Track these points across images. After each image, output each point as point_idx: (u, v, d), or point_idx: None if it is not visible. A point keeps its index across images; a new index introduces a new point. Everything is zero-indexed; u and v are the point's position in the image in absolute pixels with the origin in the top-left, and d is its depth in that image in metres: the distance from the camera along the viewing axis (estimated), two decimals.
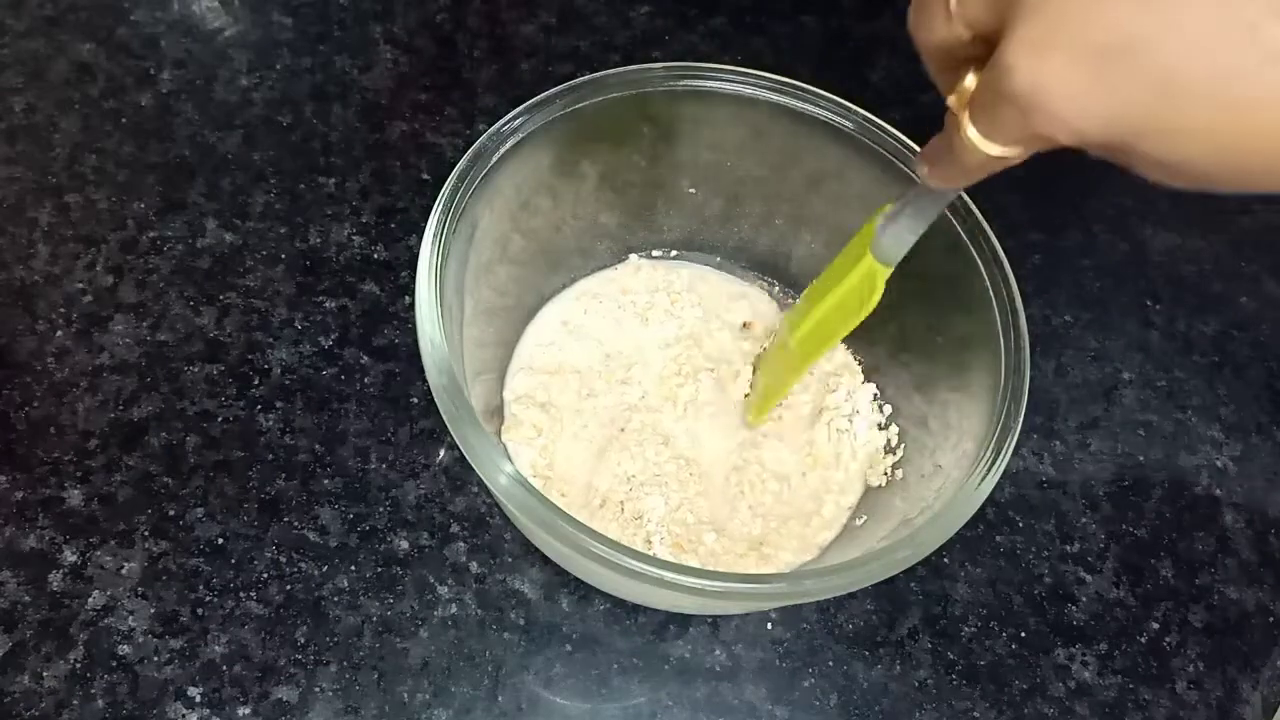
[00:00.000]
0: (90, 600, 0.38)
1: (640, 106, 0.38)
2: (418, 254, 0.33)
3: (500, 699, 0.38)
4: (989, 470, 0.31)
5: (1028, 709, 0.39)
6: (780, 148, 0.40)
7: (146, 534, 0.40)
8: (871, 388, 0.42)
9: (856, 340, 0.44)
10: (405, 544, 0.40)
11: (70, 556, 0.39)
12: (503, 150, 0.35)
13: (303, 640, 0.38)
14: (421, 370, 0.31)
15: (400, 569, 0.40)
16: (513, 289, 0.42)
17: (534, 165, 0.37)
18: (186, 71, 0.53)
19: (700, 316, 0.44)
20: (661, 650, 0.39)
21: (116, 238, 0.47)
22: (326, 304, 0.46)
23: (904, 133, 0.37)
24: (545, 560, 0.40)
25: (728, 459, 0.41)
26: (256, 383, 0.44)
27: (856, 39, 0.57)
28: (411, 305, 0.41)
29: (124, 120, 0.51)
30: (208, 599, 0.39)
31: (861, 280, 0.34)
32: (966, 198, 0.35)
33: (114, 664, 0.37)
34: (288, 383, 0.44)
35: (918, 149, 0.32)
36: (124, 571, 0.39)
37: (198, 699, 0.37)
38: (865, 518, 0.39)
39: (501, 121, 0.36)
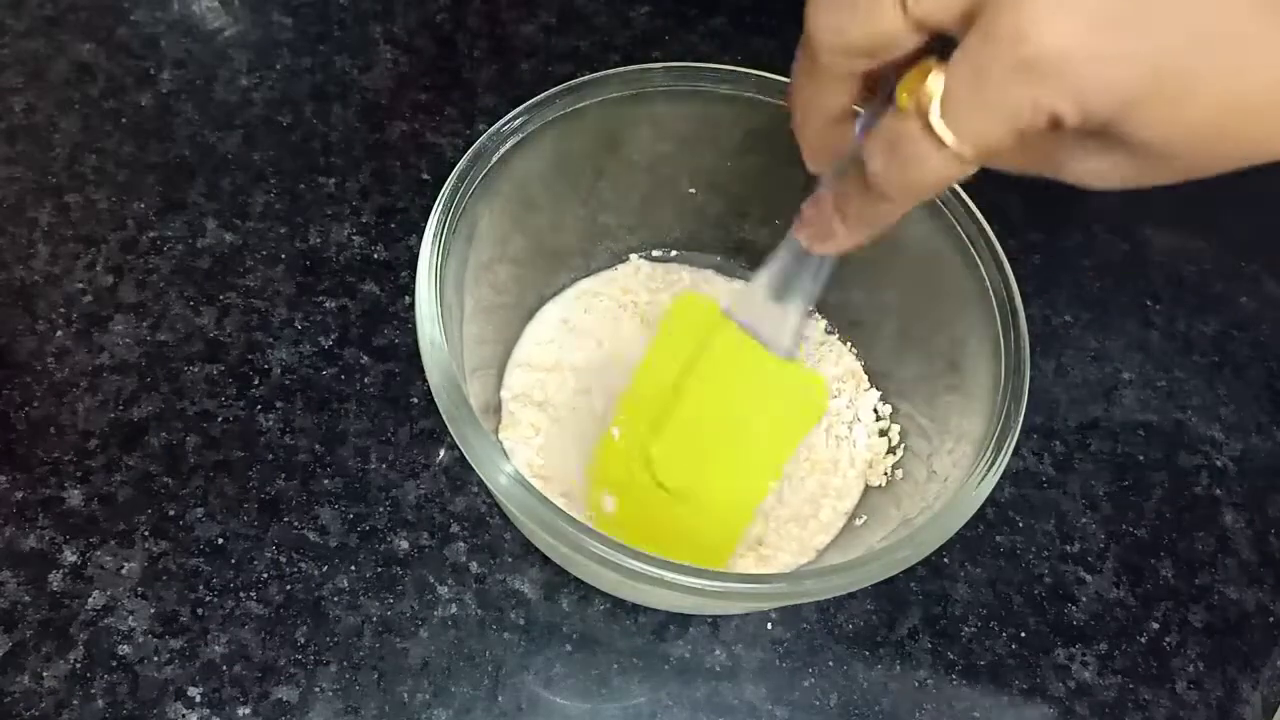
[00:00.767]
0: (90, 600, 0.38)
1: (640, 106, 0.38)
2: (418, 254, 0.33)
3: (500, 699, 0.38)
4: (989, 470, 0.31)
5: (1028, 709, 0.39)
6: (780, 148, 0.40)
7: (146, 534, 0.40)
8: (875, 395, 0.42)
9: (857, 341, 0.44)
10: (405, 544, 0.40)
11: (70, 556, 0.39)
12: (503, 150, 0.35)
13: (303, 640, 0.38)
14: (421, 370, 0.31)
15: (400, 569, 0.40)
16: (513, 289, 0.42)
17: (534, 165, 0.37)
18: (186, 71, 0.53)
19: None
20: (661, 650, 0.39)
21: (116, 238, 0.47)
22: (326, 304, 0.46)
23: None
24: (545, 560, 0.40)
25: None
26: (256, 383, 0.44)
27: None
28: (411, 305, 0.41)
29: (124, 120, 0.51)
30: (208, 599, 0.39)
31: (786, 391, 0.32)
32: (967, 198, 0.35)
33: (114, 664, 0.37)
34: (288, 383, 0.44)
35: None
36: (124, 571, 0.39)
37: (198, 699, 0.37)
38: (865, 518, 0.39)
39: (501, 121, 0.36)
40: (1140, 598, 0.42)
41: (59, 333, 0.45)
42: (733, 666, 0.39)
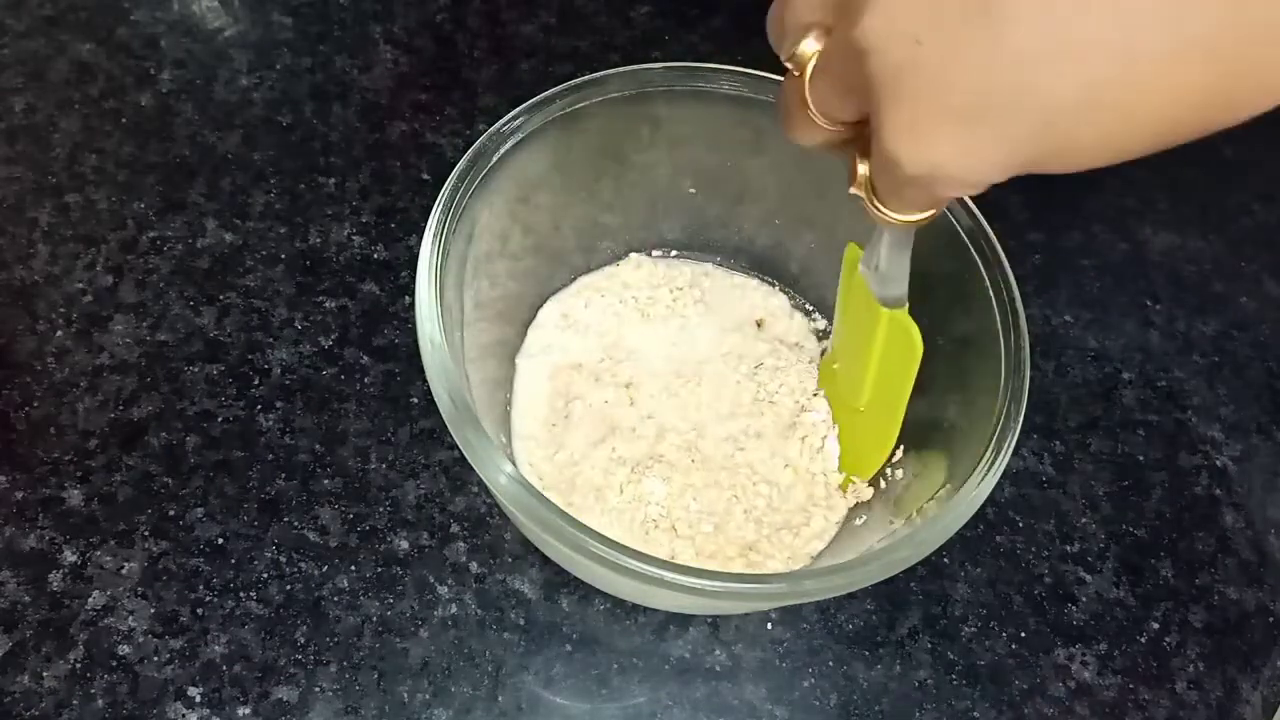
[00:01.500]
0: (90, 600, 0.38)
1: (640, 106, 0.38)
2: (418, 254, 0.33)
3: (500, 699, 0.38)
4: (989, 470, 0.31)
5: (1028, 709, 0.39)
6: (780, 148, 0.40)
7: (146, 534, 0.40)
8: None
9: None
10: (405, 544, 0.40)
11: (70, 556, 0.39)
12: (503, 150, 0.35)
13: (303, 640, 0.38)
14: (421, 370, 0.31)
15: (400, 569, 0.40)
16: (513, 288, 0.42)
17: (534, 165, 0.37)
18: (186, 71, 0.53)
19: (702, 312, 0.44)
20: (661, 650, 0.39)
21: (116, 238, 0.47)
22: (326, 304, 0.46)
23: None
24: (545, 560, 0.40)
25: (723, 451, 0.41)
26: (256, 383, 0.44)
27: None
28: (411, 305, 0.41)
29: (124, 120, 0.51)
30: (208, 599, 0.39)
31: (889, 335, 0.33)
32: (966, 197, 0.35)
33: (114, 664, 0.37)
34: (288, 383, 0.44)
35: None
36: (124, 571, 0.39)
37: (198, 699, 0.37)
38: (864, 518, 0.39)
39: (501, 121, 0.36)
40: (1140, 598, 0.42)
41: (59, 333, 0.45)
42: (733, 666, 0.39)
